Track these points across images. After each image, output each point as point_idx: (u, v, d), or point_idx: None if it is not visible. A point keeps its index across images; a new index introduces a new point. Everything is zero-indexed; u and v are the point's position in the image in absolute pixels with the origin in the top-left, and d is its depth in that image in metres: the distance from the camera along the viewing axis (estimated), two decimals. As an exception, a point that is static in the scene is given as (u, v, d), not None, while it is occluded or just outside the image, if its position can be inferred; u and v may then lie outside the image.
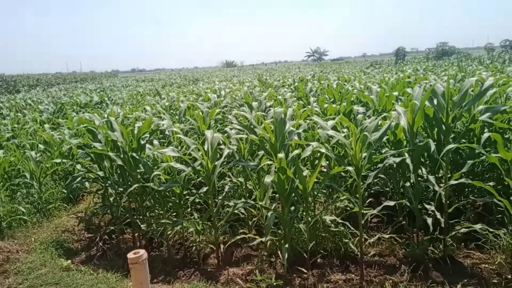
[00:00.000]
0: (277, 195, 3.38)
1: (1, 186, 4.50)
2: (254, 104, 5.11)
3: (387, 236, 3.15)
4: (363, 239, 2.98)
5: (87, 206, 4.46)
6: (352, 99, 5.25)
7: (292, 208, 3.08)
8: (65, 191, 5.01)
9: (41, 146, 5.92)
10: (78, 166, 4.91)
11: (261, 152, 3.50)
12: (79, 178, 3.97)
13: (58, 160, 5.06)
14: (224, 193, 3.51)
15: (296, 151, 3.03)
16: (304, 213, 3.11)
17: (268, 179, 2.79)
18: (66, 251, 3.86)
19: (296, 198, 3.18)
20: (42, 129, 6.91)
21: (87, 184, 4.71)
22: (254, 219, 3.78)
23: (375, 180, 3.82)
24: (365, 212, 3.03)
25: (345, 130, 3.67)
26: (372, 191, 3.95)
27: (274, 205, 3.29)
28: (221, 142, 3.74)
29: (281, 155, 2.84)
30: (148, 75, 52.82)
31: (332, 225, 3.34)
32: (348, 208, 3.71)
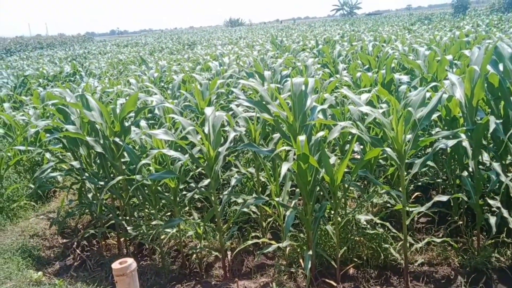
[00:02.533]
0: (297, 189, 3.40)
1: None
2: (267, 73, 5.09)
3: (438, 240, 3.15)
4: (407, 244, 2.99)
5: (60, 205, 4.56)
6: (392, 65, 5.20)
7: (317, 205, 3.10)
8: (32, 186, 5.11)
9: (1, 130, 6.02)
10: (48, 155, 4.99)
11: (277, 135, 3.51)
12: (49, 170, 4.04)
13: (22, 147, 5.13)
14: (230, 187, 3.54)
15: (321, 133, 3.03)
16: (332, 212, 3.13)
17: (285, 166, 2.79)
18: (36, 261, 3.96)
19: (321, 193, 3.20)
20: (1, 109, 7.01)
21: (59, 177, 4.79)
22: (269, 219, 3.82)
23: (423, 169, 3.81)
24: (410, 210, 3.03)
25: (383, 105, 3.65)
26: (419, 184, 3.94)
27: (294, 201, 3.32)
28: (225, 123, 3.76)
29: (301, 138, 2.84)
30: (131, 38, 52.84)
31: (368, 226, 3.35)
32: (389, 205, 3.72)
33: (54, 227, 4.43)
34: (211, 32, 48.51)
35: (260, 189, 3.89)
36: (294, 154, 3.00)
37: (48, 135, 4.13)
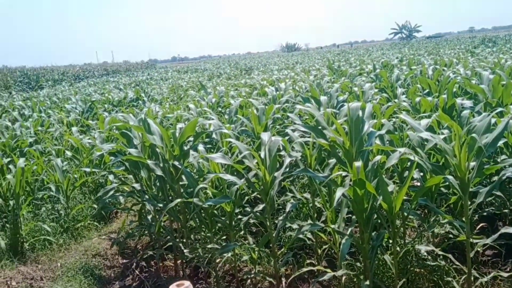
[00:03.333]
0: (353, 216, 3.33)
1: (22, 201, 4.88)
2: (323, 98, 5.09)
3: (506, 275, 2.97)
4: (472, 278, 2.84)
5: (121, 226, 4.71)
6: (454, 89, 5.04)
7: (374, 233, 3.02)
8: (96, 207, 5.33)
9: (68, 153, 6.36)
10: (111, 177, 5.20)
11: (333, 160, 3.48)
12: (112, 192, 4.21)
13: (88, 169, 5.39)
14: (285, 213, 3.52)
15: (378, 157, 2.96)
16: (391, 241, 3.03)
17: (339, 192, 2.75)
18: (97, 280, 4.10)
19: (379, 221, 3.11)
20: (70, 133, 7.42)
21: (121, 198, 4.97)
22: (324, 246, 3.76)
23: (489, 199, 3.63)
24: (474, 241, 2.89)
25: (445, 131, 3.54)
26: (485, 214, 3.75)
27: (350, 229, 3.24)
28: (281, 148, 3.77)
29: (357, 163, 2.79)
30: (191, 64, 54.62)
31: (429, 257, 3.22)
32: (451, 236, 3.55)
33: (115, 248, 4.58)
34: (267, 58, 49.24)
35: (316, 215, 3.84)
36: (350, 180, 2.96)
37: (112, 158, 4.32)
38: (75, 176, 5.63)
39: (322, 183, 3.40)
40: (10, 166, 5.37)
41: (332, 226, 3.20)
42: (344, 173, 2.99)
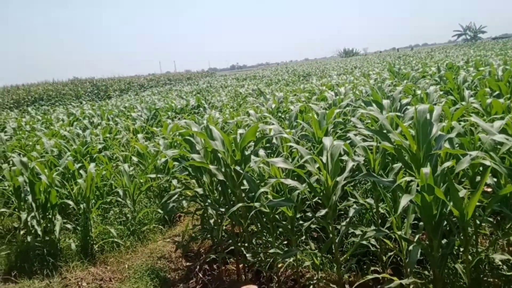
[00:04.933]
0: (421, 223, 3.18)
1: (92, 204, 5.08)
2: (385, 102, 4.92)
3: None
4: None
5: (184, 229, 4.79)
6: (527, 89, 4.71)
7: (444, 241, 2.86)
8: (160, 211, 5.45)
9: (135, 159, 6.57)
10: (174, 182, 5.31)
11: (397, 165, 3.35)
12: (175, 196, 4.29)
13: (153, 175, 5.54)
14: (348, 218, 3.43)
15: (448, 163, 2.81)
16: (462, 249, 2.86)
17: (405, 199, 2.64)
18: (162, 282, 4.18)
19: (449, 228, 2.95)
20: (136, 139, 7.67)
21: (184, 202, 5.06)
22: (389, 253, 3.62)
23: None
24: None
25: (520, 133, 3.30)
26: None
27: (417, 236, 3.10)
28: (342, 152, 3.68)
29: (425, 169, 2.66)
30: (250, 72, 55.17)
31: (504, 267, 3.01)
32: (528, 244, 3.31)
33: (179, 251, 4.65)
34: (325, 63, 48.79)
35: (380, 221, 3.71)
36: (417, 185, 2.83)
37: (175, 163, 4.40)
38: (141, 181, 5.80)
39: (387, 188, 3.28)
40: (81, 171, 5.61)
41: (399, 232, 3.07)
42: (410, 179, 2.87)
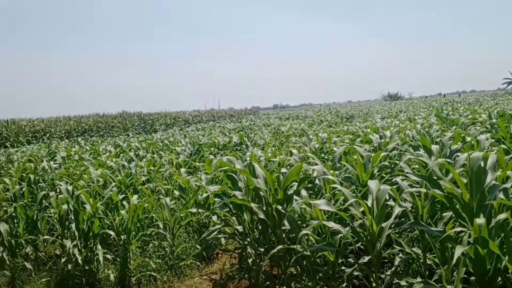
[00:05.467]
0: (472, 277, 2.99)
1: (133, 236, 5.10)
2: (434, 147, 4.77)
3: None
4: None
5: (222, 267, 4.71)
6: None
7: (498, 298, 2.67)
8: (199, 247, 5.41)
9: (176, 193, 6.60)
10: (214, 218, 5.27)
11: (447, 214, 3.19)
12: (215, 233, 4.25)
13: (194, 210, 5.53)
14: (394, 267, 3.27)
15: (503, 215, 2.65)
16: (518, 309, 2.64)
17: (459, 250, 2.49)
18: (198, 321, 4.09)
19: (503, 285, 2.75)
20: (178, 173, 7.74)
21: (222, 240, 5.00)
22: (436, 308, 3.40)
23: None
24: None
25: None
26: None
27: (468, 291, 2.91)
28: (387, 197, 3.56)
29: (480, 220, 2.52)
30: (292, 111, 55.51)
31: None
32: None
33: (216, 289, 4.56)
34: (369, 106, 48.45)
35: (427, 272, 3.51)
36: (469, 237, 2.67)
37: (216, 199, 4.38)
38: (181, 215, 5.80)
39: (436, 238, 3.12)
40: (124, 202, 5.68)
41: (448, 286, 2.89)
42: (462, 229, 2.72)
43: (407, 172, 3.70)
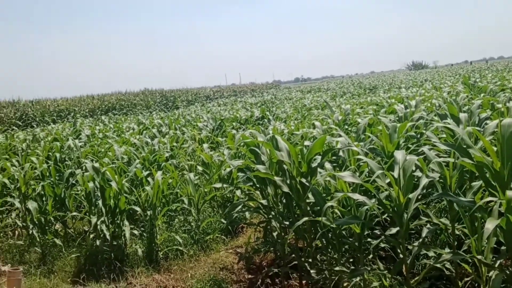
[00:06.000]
0: (503, 247, 2.92)
1: (158, 211, 5.16)
2: (462, 115, 4.63)
3: None
4: None
5: (247, 241, 4.74)
6: None
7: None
8: (224, 221, 5.45)
9: (200, 168, 6.64)
10: (238, 192, 5.29)
11: (477, 183, 3.11)
12: (239, 207, 4.25)
13: (218, 185, 5.55)
14: (421, 238, 3.22)
15: (536, 184, 2.56)
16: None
17: (491, 224, 2.42)
18: (224, 293, 4.14)
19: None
20: (201, 149, 7.77)
21: (247, 214, 5.01)
22: (466, 279, 3.35)
23: None
24: None
25: None
26: None
27: (499, 261, 2.84)
28: (414, 168, 3.49)
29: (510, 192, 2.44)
30: (314, 84, 54.86)
31: None
32: None
33: (242, 262, 4.60)
34: (392, 76, 47.50)
35: (456, 243, 3.45)
36: (500, 206, 2.60)
37: (240, 174, 4.37)
38: (205, 190, 5.84)
39: (465, 208, 3.05)
40: (149, 179, 5.74)
41: (478, 256, 2.83)
42: (492, 199, 2.65)
43: (435, 142, 3.60)
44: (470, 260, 3.10)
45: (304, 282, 3.92)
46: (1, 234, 5.87)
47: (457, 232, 3.51)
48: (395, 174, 3.08)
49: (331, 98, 20.53)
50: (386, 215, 3.82)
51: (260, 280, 4.20)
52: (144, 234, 5.13)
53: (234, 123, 11.88)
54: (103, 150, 8.20)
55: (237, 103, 25.81)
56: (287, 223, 3.90)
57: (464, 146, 2.89)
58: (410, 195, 3.00)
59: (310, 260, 3.83)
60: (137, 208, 5.10)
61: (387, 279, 3.38)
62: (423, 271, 3.19)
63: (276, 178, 3.75)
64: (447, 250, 3.25)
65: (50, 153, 8.07)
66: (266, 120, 12.07)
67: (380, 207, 3.25)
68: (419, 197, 3.10)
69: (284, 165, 3.81)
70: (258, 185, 4.24)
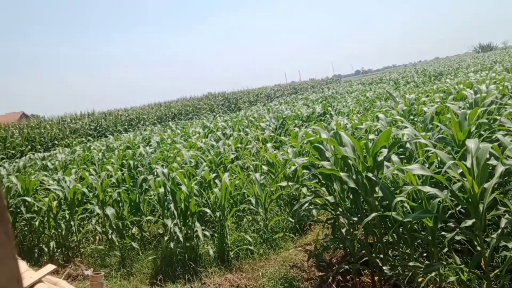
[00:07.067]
0: None
1: (227, 212, 5.25)
2: (539, 97, 4.33)
3: None
4: None
5: (315, 238, 4.70)
6: None
7: None
8: (291, 219, 5.44)
9: (265, 168, 6.68)
10: (304, 190, 5.26)
11: (560, 169, 2.88)
12: (306, 204, 4.22)
13: (284, 184, 5.56)
14: (500, 229, 3.03)
15: None
16: None
17: None
18: (296, 291, 4.13)
19: None
20: (265, 149, 7.81)
21: (314, 211, 4.97)
22: (551, 270, 3.12)
23: None
24: None
25: None
26: None
27: None
28: (487, 157, 3.29)
29: None
30: (375, 75, 53.47)
31: None
32: None
33: (311, 260, 4.57)
34: (459, 61, 45.23)
35: (539, 233, 3.23)
36: None
37: (305, 171, 4.34)
38: (272, 189, 5.86)
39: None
40: (216, 181, 5.86)
41: None
42: None
43: (509, 127, 3.39)
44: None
45: (376, 278, 3.82)
46: (83, 239, 6.22)
47: (540, 222, 3.29)
48: (468, 163, 2.93)
49: (394, 89, 19.91)
50: (460, 207, 3.64)
51: (331, 278, 4.15)
52: (215, 234, 5.23)
53: (296, 121, 11.84)
54: (172, 155, 8.46)
55: (298, 100, 25.71)
56: (356, 219, 3.83)
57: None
58: (486, 185, 2.84)
59: (382, 255, 3.73)
60: (207, 210, 5.21)
61: (465, 273, 3.22)
62: (504, 264, 3.01)
63: (342, 174, 3.68)
64: (530, 241, 3.04)
65: (124, 161, 8.47)
66: (328, 116, 11.92)
67: (453, 199, 3.10)
68: (496, 186, 2.93)
69: (349, 160, 3.74)
70: (323, 182, 4.19)
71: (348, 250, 4.26)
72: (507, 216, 3.22)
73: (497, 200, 3.69)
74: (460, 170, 2.99)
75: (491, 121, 4.55)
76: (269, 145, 7.87)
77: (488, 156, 3.26)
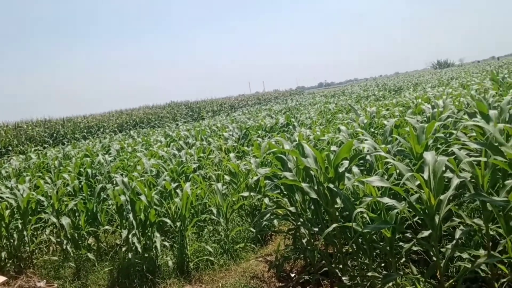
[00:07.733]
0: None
1: (188, 222, 5.19)
2: (492, 112, 4.50)
3: None
4: None
5: (276, 248, 4.71)
6: None
7: None
8: (253, 230, 5.44)
9: (227, 178, 6.66)
10: (266, 200, 5.27)
11: (510, 182, 3.01)
12: (267, 215, 4.24)
13: (246, 194, 5.56)
14: (454, 240, 3.13)
15: None
16: None
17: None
18: (256, 302, 4.12)
19: None
20: (228, 158, 7.80)
21: (275, 222, 4.99)
22: (502, 280, 3.24)
23: None
24: None
25: None
26: None
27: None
28: (444, 169, 3.41)
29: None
30: (338, 88, 54.55)
31: None
32: None
33: (272, 270, 4.57)
34: (417, 76, 46.78)
35: (490, 244, 3.35)
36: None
37: (267, 181, 4.36)
38: (233, 199, 5.85)
39: (500, 208, 2.96)
40: (178, 191, 5.79)
41: (516, 258, 2.74)
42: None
43: (465, 141, 3.52)
44: (506, 261, 3.00)
45: (336, 288, 3.87)
46: (37, 250, 6.00)
47: (491, 233, 3.42)
48: (425, 175, 3.02)
49: (355, 102, 20.35)
50: (417, 218, 3.75)
51: (291, 288, 4.17)
52: (175, 245, 5.16)
53: (259, 131, 11.90)
54: (132, 164, 8.31)
55: (261, 111, 25.85)
56: (316, 229, 3.87)
57: (496, 144, 2.81)
58: (442, 197, 2.93)
59: (341, 266, 3.78)
60: (167, 220, 5.14)
61: (421, 283, 3.30)
62: (458, 274, 3.10)
63: (304, 185, 3.72)
64: (481, 251, 3.15)
65: (81, 169, 8.25)
66: (291, 127, 12.03)
67: (410, 210, 3.19)
68: (451, 198, 3.03)
69: (311, 171, 3.78)
70: (285, 193, 4.22)
71: (308, 260, 4.29)
72: (461, 227, 3.34)
73: (452, 212, 3.82)
74: (418, 182, 3.07)
75: (448, 135, 4.71)
76: (232, 155, 7.86)
77: (444, 168, 3.37)
